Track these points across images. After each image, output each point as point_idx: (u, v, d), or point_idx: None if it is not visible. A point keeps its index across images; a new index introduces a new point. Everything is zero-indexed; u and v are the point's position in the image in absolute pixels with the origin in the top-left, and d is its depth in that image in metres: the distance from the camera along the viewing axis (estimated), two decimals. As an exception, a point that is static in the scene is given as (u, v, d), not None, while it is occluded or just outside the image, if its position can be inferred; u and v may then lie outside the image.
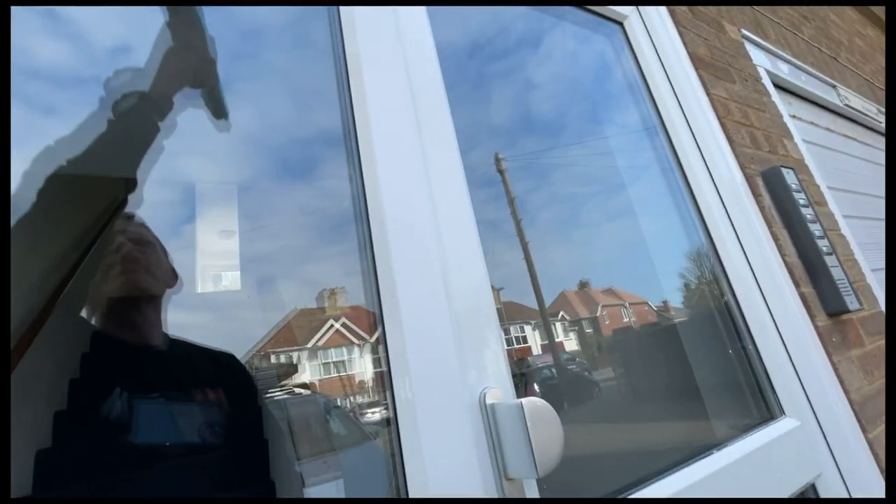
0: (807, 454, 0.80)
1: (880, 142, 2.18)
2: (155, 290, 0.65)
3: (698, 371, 0.99)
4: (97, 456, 0.56)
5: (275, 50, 0.98)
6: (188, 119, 0.61)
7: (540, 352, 1.21)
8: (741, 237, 1.00)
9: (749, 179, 1.07)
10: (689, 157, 1.06)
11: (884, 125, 2.18)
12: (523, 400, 0.48)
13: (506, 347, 0.57)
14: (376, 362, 0.56)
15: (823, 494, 0.80)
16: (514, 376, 0.95)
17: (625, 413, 1.10)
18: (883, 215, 1.76)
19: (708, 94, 1.14)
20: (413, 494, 0.44)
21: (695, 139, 1.08)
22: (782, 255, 1.00)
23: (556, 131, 1.42)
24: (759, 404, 0.90)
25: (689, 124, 1.09)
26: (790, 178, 1.08)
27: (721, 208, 1.02)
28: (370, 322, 0.53)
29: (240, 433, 0.67)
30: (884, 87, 2.59)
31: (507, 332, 1.09)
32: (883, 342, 1.10)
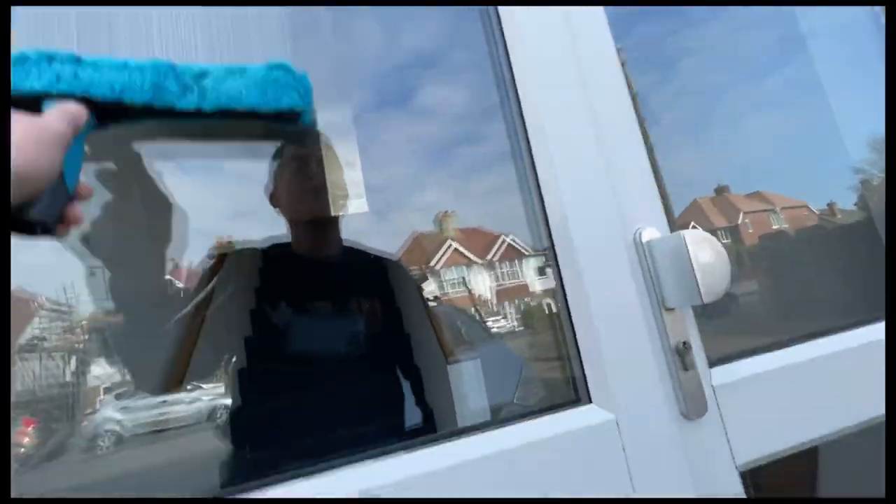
0: None
1: None
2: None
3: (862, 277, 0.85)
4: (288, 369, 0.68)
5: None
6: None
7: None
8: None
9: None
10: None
11: None
12: (684, 232, 0.47)
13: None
14: (493, 278, 0.58)
15: None
16: None
17: (763, 329, 1.00)
18: None
19: None
20: (576, 323, 0.48)
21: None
22: None
23: (681, 8, 1.21)
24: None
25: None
26: None
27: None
28: (485, 243, 0.55)
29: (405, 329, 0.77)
30: None
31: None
32: None
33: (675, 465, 0.45)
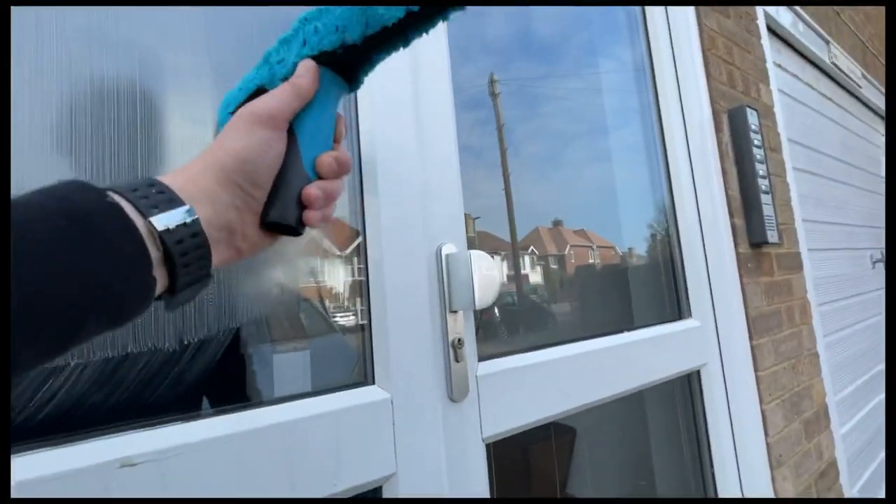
0: (699, 348, 0.98)
1: (855, 107, 2.26)
2: None
3: (636, 297, 1.13)
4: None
5: None
6: None
7: (506, 281, 1.29)
8: (694, 168, 1.09)
9: (716, 115, 1.14)
10: (666, 87, 1.12)
11: (864, 91, 2.25)
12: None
13: (464, 213, 0.66)
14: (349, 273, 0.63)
15: (705, 379, 0.99)
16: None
17: (570, 334, 1.23)
18: (835, 175, 1.90)
19: (699, 23, 1.16)
20: (374, 311, 0.55)
21: (675, 69, 1.12)
22: (726, 189, 1.12)
23: (553, 58, 1.38)
24: (675, 309, 1.06)
25: (673, 53, 1.13)
26: (752, 118, 1.16)
27: (684, 140, 1.10)
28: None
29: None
30: (877, 54, 2.62)
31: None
32: (791, 277, 1.28)
33: (434, 437, 0.56)
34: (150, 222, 0.23)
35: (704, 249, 1.06)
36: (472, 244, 1.07)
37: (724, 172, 1.12)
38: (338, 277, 0.60)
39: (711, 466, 0.98)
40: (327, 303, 0.60)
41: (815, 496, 1.15)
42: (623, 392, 0.80)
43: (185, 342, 0.47)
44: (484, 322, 1.07)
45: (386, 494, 0.52)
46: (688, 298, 1.03)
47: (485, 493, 0.61)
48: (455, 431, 0.58)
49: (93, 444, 0.38)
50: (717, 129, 1.14)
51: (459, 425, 0.59)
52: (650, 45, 1.14)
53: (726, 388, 1.01)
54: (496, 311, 1.30)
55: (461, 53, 0.90)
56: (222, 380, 0.49)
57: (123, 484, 0.37)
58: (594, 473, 1.57)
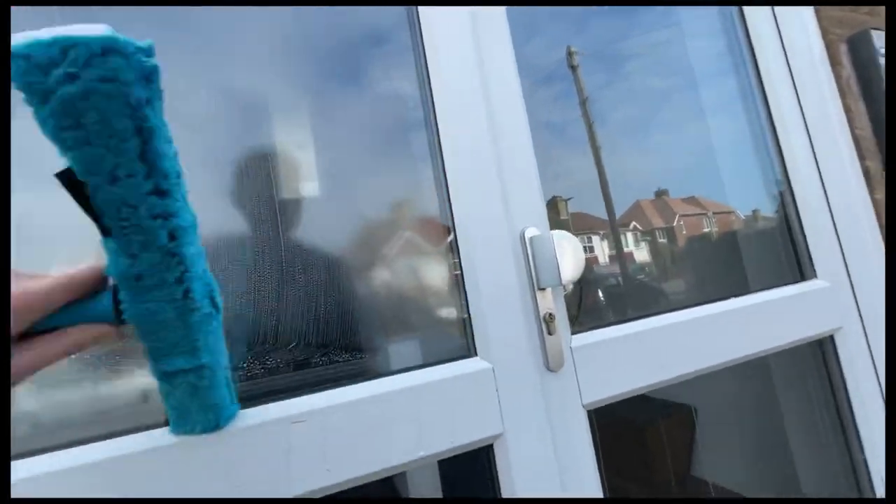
0: (829, 311, 0.89)
1: None
2: None
3: (748, 263, 1.05)
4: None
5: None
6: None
7: (608, 262, 1.21)
8: (806, 114, 0.98)
9: (831, 47, 1.01)
10: (758, 25, 1.01)
11: None
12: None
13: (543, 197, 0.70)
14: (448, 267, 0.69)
15: (841, 345, 0.89)
16: (576, 282, 1.05)
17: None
18: None
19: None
20: (470, 294, 0.63)
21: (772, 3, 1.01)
22: (852, 129, 0.98)
23: (633, 11, 1.26)
24: (795, 272, 0.96)
25: (767, -11, 1.01)
26: (880, 41, 0.99)
27: (790, 85, 0.99)
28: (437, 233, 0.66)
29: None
30: None
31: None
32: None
33: (535, 404, 0.62)
34: None
35: (828, 202, 0.94)
36: (565, 226, 1.08)
37: (849, 110, 0.98)
38: (437, 270, 0.69)
39: (859, 438, 0.88)
40: (431, 292, 0.69)
41: None
42: (730, 361, 0.77)
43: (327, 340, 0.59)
44: (588, 307, 1.08)
45: (497, 451, 0.60)
46: (811, 258, 0.93)
47: (590, 456, 0.65)
48: (555, 398, 0.63)
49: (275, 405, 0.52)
50: (835, 63, 1.00)
51: (559, 392, 0.64)
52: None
53: (871, 354, 0.89)
54: (600, 293, 1.26)
55: (527, 29, 0.88)
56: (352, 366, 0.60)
57: (296, 434, 0.50)
58: (721, 454, 1.48)
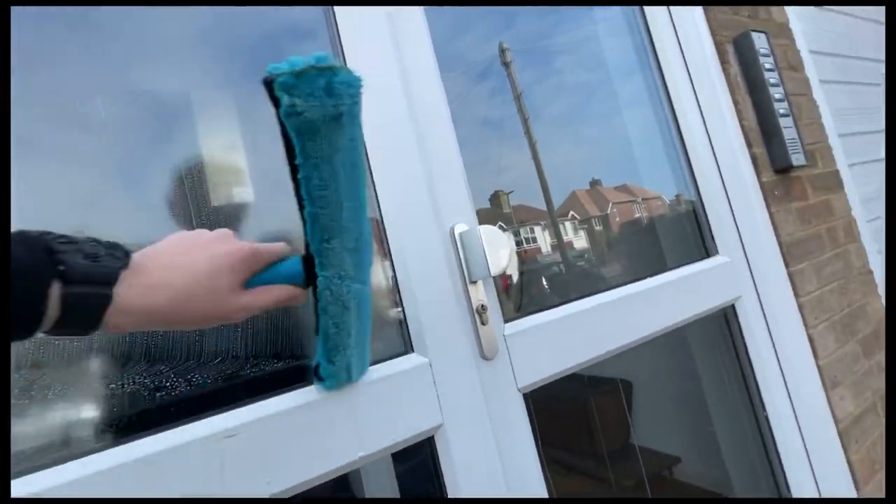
0: (730, 282, 1.00)
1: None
2: None
3: (666, 244, 1.15)
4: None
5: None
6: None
7: (549, 251, 1.24)
8: (703, 107, 1.09)
9: (719, 47, 1.12)
10: (660, 28, 1.11)
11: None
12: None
13: (473, 207, 0.73)
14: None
15: (741, 312, 1.01)
16: (521, 274, 1.07)
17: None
18: (878, 79, 1.76)
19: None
20: (403, 291, 0.64)
21: (668, 8, 1.11)
22: (741, 120, 1.10)
23: (556, 9, 1.30)
24: (701, 250, 1.07)
25: (665, -7, 1.11)
26: (760, 42, 1.12)
27: (687, 81, 1.09)
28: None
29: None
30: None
31: (516, 234, 1.13)
32: (830, 197, 1.23)
33: (472, 392, 0.64)
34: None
35: (724, 186, 1.06)
36: (508, 219, 1.11)
37: (737, 104, 1.10)
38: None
39: (760, 396, 1.00)
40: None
41: (882, 414, 1.13)
42: (653, 334, 0.84)
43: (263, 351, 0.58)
44: (535, 295, 1.12)
45: (438, 443, 0.61)
46: (713, 237, 1.04)
47: (528, 438, 0.69)
48: (491, 385, 0.66)
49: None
50: (723, 62, 1.12)
51: (494, 379, 0.67)
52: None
53: (765, 318, 1.02)
54: (544, 281, 1.31)
55: (456, 26, 0.87)
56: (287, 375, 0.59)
57: (229, 449, 0.49)
58: (655, 422, 1.61)
